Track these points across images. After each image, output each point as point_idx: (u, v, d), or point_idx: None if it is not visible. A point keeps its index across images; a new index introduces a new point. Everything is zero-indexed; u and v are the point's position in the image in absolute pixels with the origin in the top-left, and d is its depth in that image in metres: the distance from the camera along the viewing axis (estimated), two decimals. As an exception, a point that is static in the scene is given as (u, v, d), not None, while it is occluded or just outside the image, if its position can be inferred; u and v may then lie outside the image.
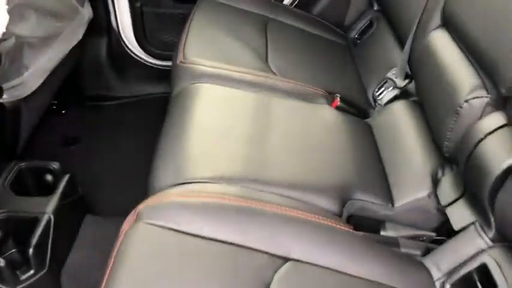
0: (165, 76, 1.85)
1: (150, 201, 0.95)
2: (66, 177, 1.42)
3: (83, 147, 1.87)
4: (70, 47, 1.64)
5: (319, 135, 1.24)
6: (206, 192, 0.97)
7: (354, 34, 1.82)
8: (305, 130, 1.24)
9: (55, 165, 1.45)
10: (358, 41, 1.78)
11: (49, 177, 1.46)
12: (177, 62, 1.40)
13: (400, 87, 1.36)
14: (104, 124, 1.99)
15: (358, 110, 1.41)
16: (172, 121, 1.23)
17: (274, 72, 1.46)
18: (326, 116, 1.31)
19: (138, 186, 1.27)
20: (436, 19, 1.25)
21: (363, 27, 1.80)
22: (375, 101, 1.47)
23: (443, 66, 1.15)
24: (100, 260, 1.45)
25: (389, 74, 1.42)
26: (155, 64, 2.08)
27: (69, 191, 1.41)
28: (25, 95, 1.42)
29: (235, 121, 1.22)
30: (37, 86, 1.47)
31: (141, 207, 0.94)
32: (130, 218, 0.93)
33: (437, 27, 1.24)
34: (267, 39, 1.62)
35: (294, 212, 0.99)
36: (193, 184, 1.01)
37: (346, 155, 1.19)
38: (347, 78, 1.59)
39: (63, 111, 2.02)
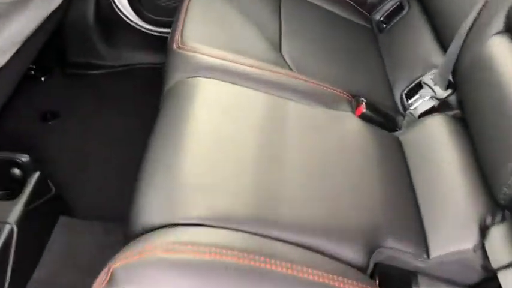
0: (161, 44, 1.57)
1: (127, 258, 0.71)
2: (36, 175, 1.17)
3: (62, 124, 1.60)
4: (49, 12, 1.35)
5: (343, 157, 0.99)
6: (201, 244, 0.73)
7: (379, 16, 1.54)
8: (326, 150, 0.99)
9: (24, 158, 1.20)
10: (384, 26, 1.50)
11: (17, 172, 1.21)
12: (174, 47, 1.13)
13: (439, 99, 1.11)
14: (88, 96, 1.72)
15: (384, 117, 1.16)
16: (164, 128, 0.97)
17: (289, 65, 1.20)
18: (350, 130, 1.05)
19: (126, 177, 1.03)
20: (498, 22, 0.98)
21: (390, 10, 1.52)
22: (404, 107, 1.21)
23: (506, 86, 0.90)
24: (72, 275, 1.23)
25: (426, 79, 1.15)
26: (150, 30, 1.78)
27: (39, 191, 1.17)
28: (-11, 73, 1.15)
29: (242, 134, 0.96)
30: (5, 61, 1.19)
31: (116, 265, 0.70)
32: (102, 278, 0.69)
33: (498, 33, 0.98)
34: (280, 20, 1.34)
35: (310, 274, 0.75)
36: (185, 228, 0.77)
37: (375, 187, 0.94)
38: (372, 75, 1.32)
39: (42, 78, 1.75)
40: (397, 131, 1.15)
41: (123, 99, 1.71)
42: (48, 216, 1.21)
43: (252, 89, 1.08)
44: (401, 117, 1.19)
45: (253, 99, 1.06)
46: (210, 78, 1.07)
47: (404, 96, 1.24)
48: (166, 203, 0.82)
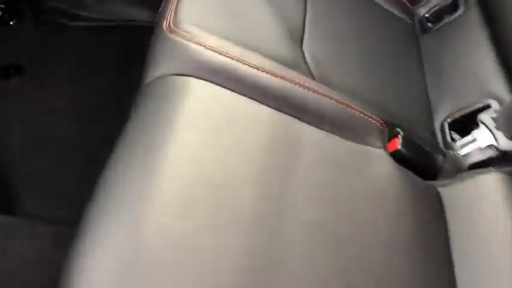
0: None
1: None
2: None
3: (26, 83, 1.29)
4: None
5: (367, 223, 0.71)
6: None
7: (424, 12, 1.23)
8: (346, 207, 0.71)
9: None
10: (430, 26, 1.20)
11: None
12: (163, 27, 0.82)
13: (501, 150, 0.83)
14: (64, 53, 1.40)
15: (422, 157, 0.88)
16: (129, 149, 0.68)
17: (309, 69, 0.90)
18: (379, 178, 0.77)
19: (94, 167, 0.75)
20: None
21: (439, 7, 1.21)
22: (446, 142, 0.93)
23: None
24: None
25: (485, 117, 0.87)
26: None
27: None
28: None
29: (234, 172, 0.68)
30: None
31: None
32: None
33: None
34: (306, 3, 1.03)
35: None
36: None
37: (407, 275, 0.68)
38: (410, 90, 1.03)
39: (11, 22, 1.43)
40: (434, 176, 0.88)
41: (107, 63, 1.39)
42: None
43: (259, 101, 0.79)
44: (441, 156, 0.92)
45: (258, 118, 0.77)
46: (204, 80, 0.77)
47: (447, 126, 0.96)
48: (113, 280, 0.55)
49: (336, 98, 0.85)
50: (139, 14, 1.48)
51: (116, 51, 1.42)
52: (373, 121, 0.86)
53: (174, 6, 0.84)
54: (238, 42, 0.83)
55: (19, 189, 1.04)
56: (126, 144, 0.70)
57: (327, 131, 0.80)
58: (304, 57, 0.92)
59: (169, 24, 0.82)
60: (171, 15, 0.83)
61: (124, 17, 1.49)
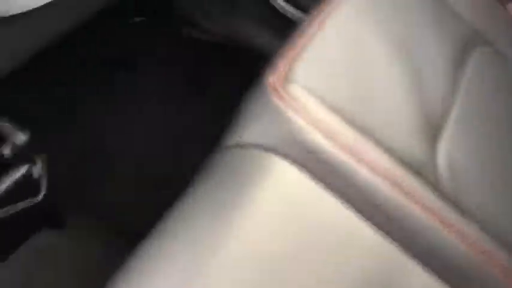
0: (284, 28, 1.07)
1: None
2: (22, 170, 0.77)
3: (127, 81, 1.19)
4: None
5: None
6: None
7: None
8: None
9: (21, 136, 0.80)
10: None
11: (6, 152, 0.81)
12: (267, 86, 0.63)
13: None
14: (174, 61, 1.28)
15: None
16: (186, 223, 0.50)
17: (439, 181, 0.65)
18: None
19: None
20: None
21: None
22: None
23: None
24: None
25: None
26: (280, 7, 1.27)
27: (17, 194, 0.77)
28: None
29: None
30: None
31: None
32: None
33: None
34: (459, 84, 0.78)
35: None
36: None
37: None
38: None
39: (135, 19, 1.32)
40: None
41: (215, 85, 1.25)
42: (19, 229, 0.81)
43: (362, 213, 0.57)
44: None
45: (357, 238, 0.54)
46: (299, 166, 0.57)
47: None
48: None
49: (466, 234, 0.60)
50: (271, 43, 1.30)
51: (227, 77, 1.27)
52: (493, 265, 0.60)
53: (290, 58, 0.64)
54: (355, 123, 0.61)
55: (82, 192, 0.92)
56: (185, 210, 0.53)
57: (434, 273, 0.56)
58: (436, 163, 0.67)
59: (275, 81, 0.62)
60: (281, 70, 0.63)
61: (251, 41, 1.32)
